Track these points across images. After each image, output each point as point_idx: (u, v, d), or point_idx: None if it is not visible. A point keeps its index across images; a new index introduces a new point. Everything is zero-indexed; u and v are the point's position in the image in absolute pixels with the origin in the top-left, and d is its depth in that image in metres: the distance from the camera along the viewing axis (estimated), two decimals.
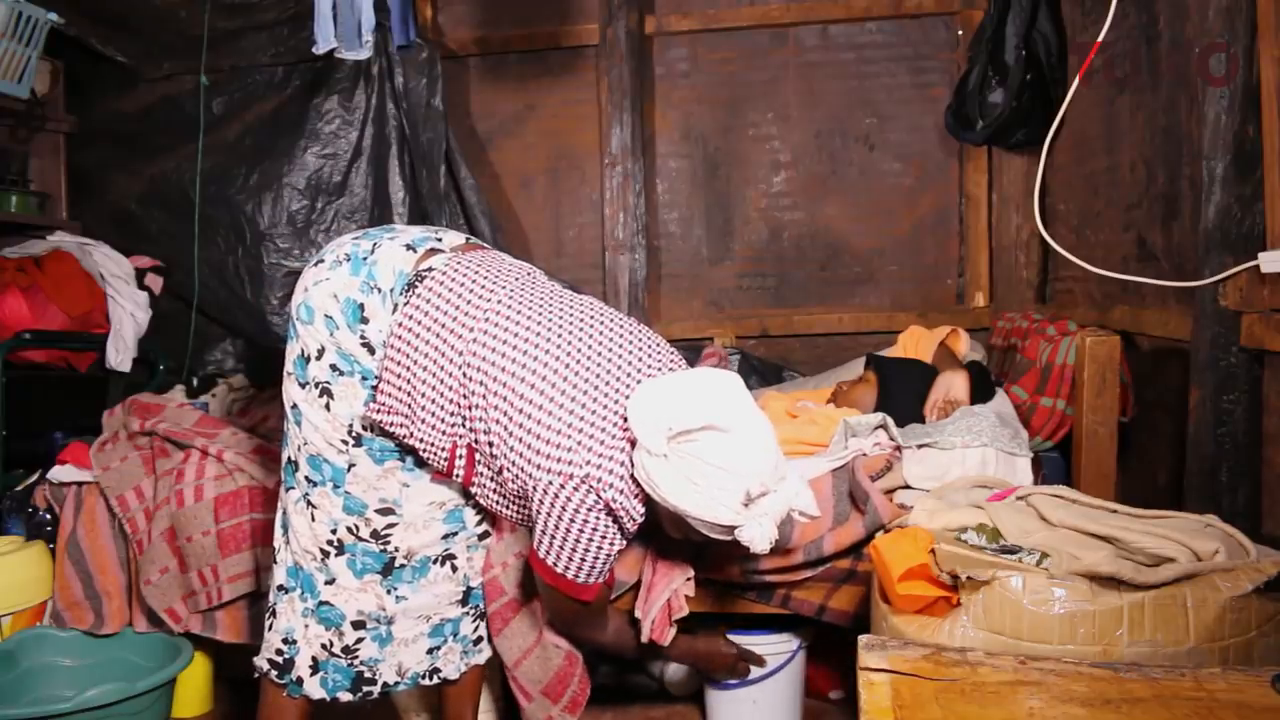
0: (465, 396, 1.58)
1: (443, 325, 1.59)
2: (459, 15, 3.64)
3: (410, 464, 1.72)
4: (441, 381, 1.59)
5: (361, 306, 1.63)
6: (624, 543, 1.59)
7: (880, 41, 3.43)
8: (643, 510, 1.56)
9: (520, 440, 1.53)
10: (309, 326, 1.66)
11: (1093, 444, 2.13)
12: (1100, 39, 2.24)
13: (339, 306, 1.64)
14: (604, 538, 1.55)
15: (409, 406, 1.61)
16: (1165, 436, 2.22)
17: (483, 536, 1.87)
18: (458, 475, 1.65)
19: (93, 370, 3.13)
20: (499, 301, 1.61)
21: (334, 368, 1.65)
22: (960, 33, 3.34)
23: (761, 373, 3.34)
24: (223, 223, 3.50)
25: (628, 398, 1.52)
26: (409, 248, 1.67)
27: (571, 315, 1.63)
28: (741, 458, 1.48)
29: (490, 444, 1.57)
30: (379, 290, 1.63)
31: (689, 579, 1.91)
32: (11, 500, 2.48)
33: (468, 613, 1.89)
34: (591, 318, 1.64)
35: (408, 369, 1.60)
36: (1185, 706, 1.06)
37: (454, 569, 1.83)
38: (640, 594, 1.93)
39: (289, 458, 1.74)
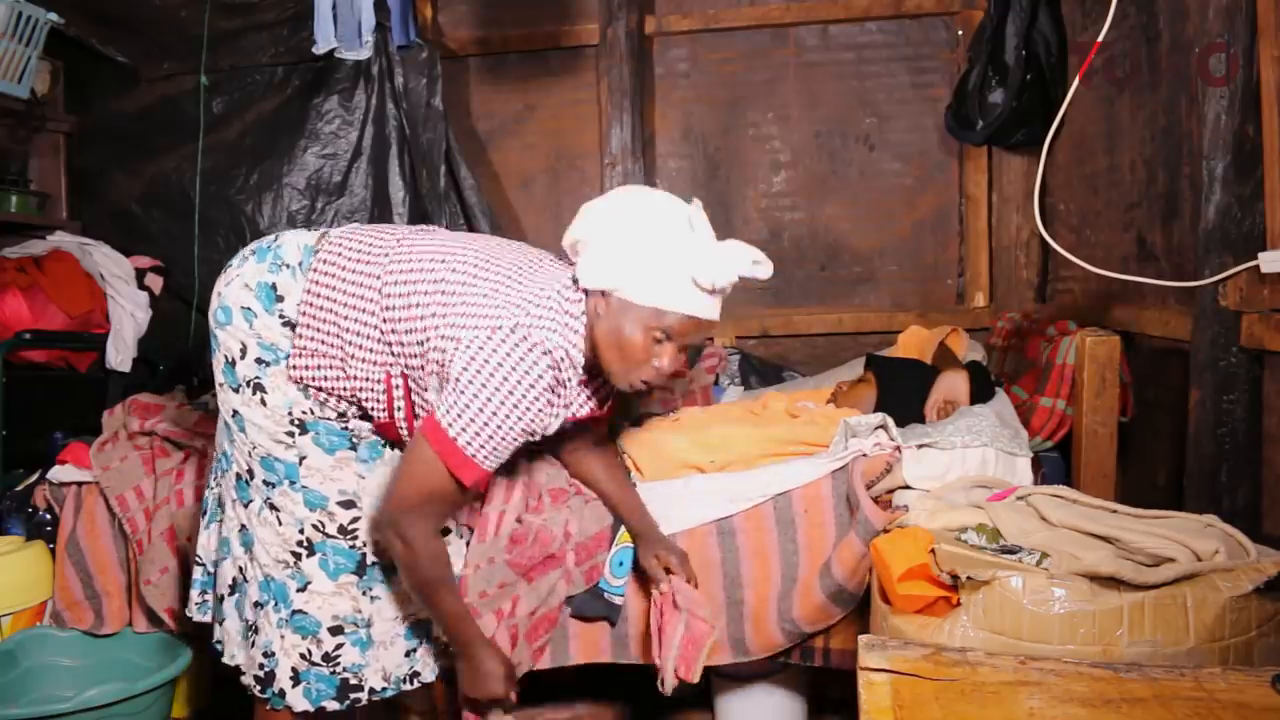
0: (388, 318, 1.62)
1: (356, 261, 1.66)
2: (459, 15, 3.64)
3: (363, 453, 1.74)
4: (363, 310, 1.63)
5: (274, 286, 1.69)
6: (543, 421, 1.56)
7: (880, 41, 3.43)
8: (581, 358, 1.59)
9: (446, 319, 1.56)
10: (228, 328, 1.70)
11: (1093, 444, 2.13)
12: (1100, 39, 2.24)
13: (253, 294, 1.69)
14: (525, 395, 1.50)
15: (338, 348, 1.65)
16: (1165, 436, 2.22)
17: (443, 533, 1.83)
18: (399, 414, 1.67)
19: (93, 370, 3.13)
20: (407, 233, 1.72)
21: (259, 360, 1.68)
22: (960, 33, 3.34)
23: (761, 373, 3.34)
24: (223, 223, 3.50)
25: (542, 283, 1.60)
26: (311, 231, 1.77)
27: (476, 236, 1.77)
28: (655, 199, 1.59)
29: (420, 345, 1.59)
30: (287, 266, 1.70)
31: (706, 621, 1.78)
32: (11, 500, 2.48)
33: None
34: (497, 240, 1.75)
35: (329, 311, 1.65)
36: (1185, 706, 1.06)
37: None
38: (652, 639, 1.83)
39: (238, 473, 1.74)
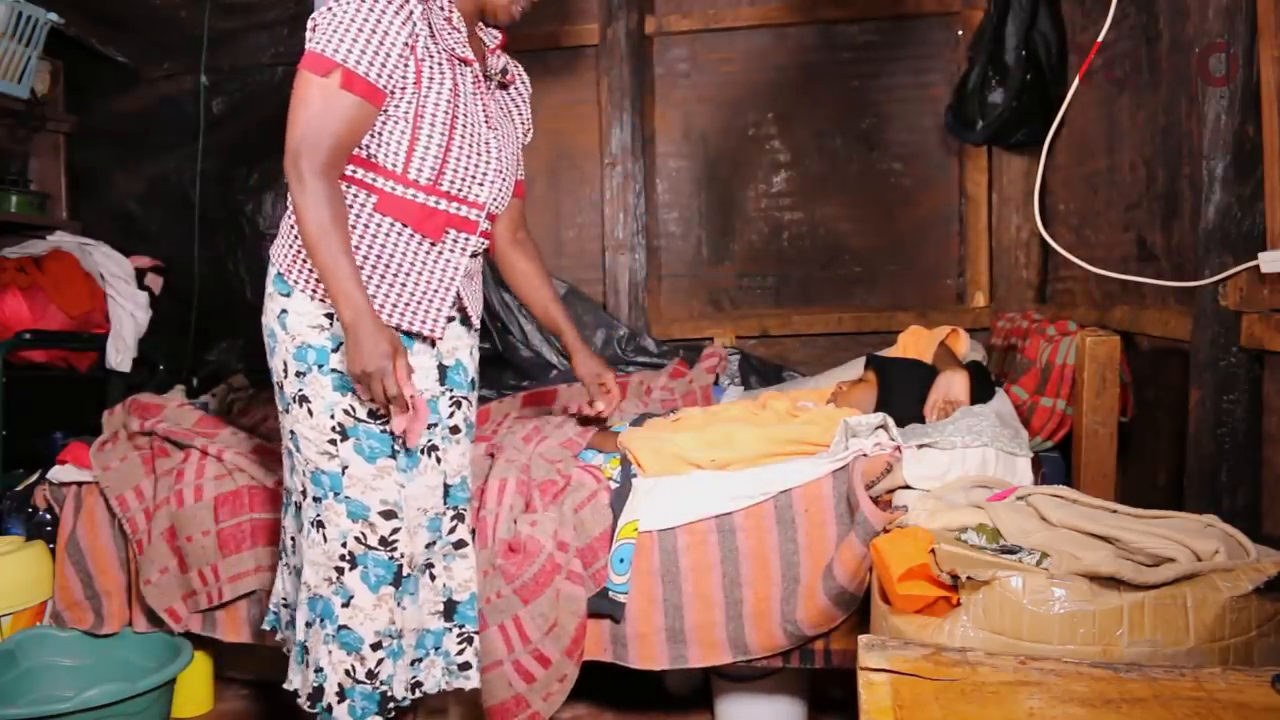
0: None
1: None
2: None
3: (402, 462, 1.74)
4: None
5: (281, 275, 1.74)
6: (408, 20, 1.61)
7: (880, 41, 3.43)
8: None
9: None
10: (273, 350, 1.75)
11: (1093, 444, 2.13)
12: (1100, 39, 2.24)
13: (275, 298, 1.73)
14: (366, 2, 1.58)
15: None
16: (1165, 436, 2.22)
17: (457, 545, 1.86)
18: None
19: (93, 370, 3.13)
20: None
21: (299, 374, 1.70)
22: (960, 33, 3.34)
23: (761, 373, 3.34)
24: (223, 223, 3.50)
25: None
26: None
27: None
28: None
29: None
30: None
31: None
32: (11, 500, 2.48)
33: (451, 629, 1.85)
34: None
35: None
36: (1185, 706, 1.06)
37: (432, 577, 1.84)
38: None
39: (296, 501, 1.77)
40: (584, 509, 2.04)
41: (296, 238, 1.69)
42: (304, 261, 1.70)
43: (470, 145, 1.73)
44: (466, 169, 1.73)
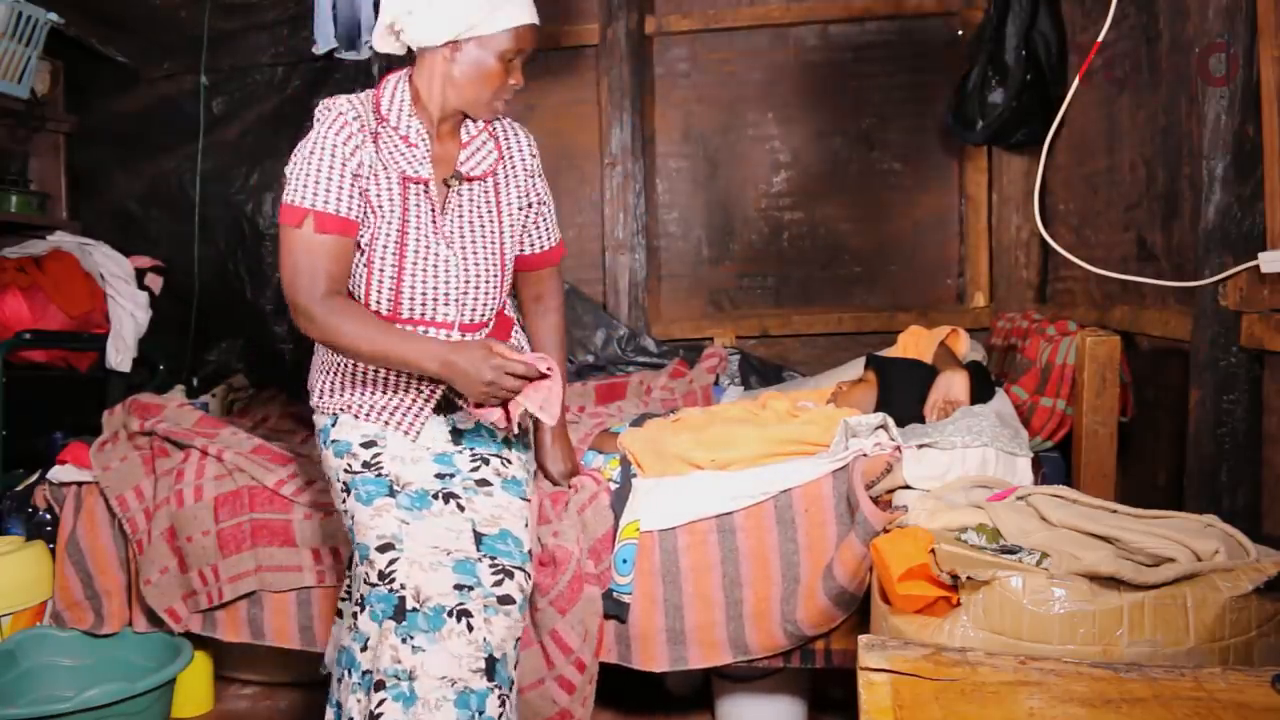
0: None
1: None
2: None
3: (405, 501, 1.71)
4: None
5: None
6: (347, 149, 1.70)
7: (880, 41, 3.43)
8: (371, 107, 1.77)
9: None
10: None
11: (1093, 444, 2.13)
12: (1100, 39, 2.24)
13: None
14: (320, 135, 1.71)
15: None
16: (1165, 436, 2.22)
17: (502, 600, 1.68)
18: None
19: (93, 370, 3.13)
20: None
21: (321, 462, 1.84)
22: (960, 33, 3.34)
23: (761, 373, 3.34)
24: (223, 223, 3.50)
25: None
26: None
27: None
28: None
29: None
30: None
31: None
32: (11, 500, 2.48)
33: (493, 689, 1.65)
34: None
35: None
36: (1185, 706, 1.06)
37: (469, 628, 1.65)
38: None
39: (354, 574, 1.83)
40: (586, 510, 2.05)
41: (320, 367, 1.83)
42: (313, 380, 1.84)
43: (424, 269, 1.74)
44: (424, 293, 1.75)
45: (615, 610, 2.01)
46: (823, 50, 3.47)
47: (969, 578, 1.37)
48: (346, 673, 1.71)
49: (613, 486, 2.09)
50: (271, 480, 2.21)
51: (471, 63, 1.73)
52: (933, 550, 1.46)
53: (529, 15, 1.78)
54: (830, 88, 3.47)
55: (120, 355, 3.13)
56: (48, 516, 2.41)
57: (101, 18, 3.43)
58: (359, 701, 1.66)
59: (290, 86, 3.50)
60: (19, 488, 2.51)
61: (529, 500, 1.85)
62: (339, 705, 1.75)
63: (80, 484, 2.36)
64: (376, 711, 1.60)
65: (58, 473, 2.38)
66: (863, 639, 1.23)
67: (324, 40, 3.10)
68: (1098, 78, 2.60)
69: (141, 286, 3.28)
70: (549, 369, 1.63)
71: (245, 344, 3.58)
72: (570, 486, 2.09)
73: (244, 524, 2.19)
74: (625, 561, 2.01)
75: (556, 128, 3.59)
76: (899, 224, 3.47)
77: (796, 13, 3.43)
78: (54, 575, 2.34)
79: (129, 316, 3.17)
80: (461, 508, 1.73)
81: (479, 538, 1.71)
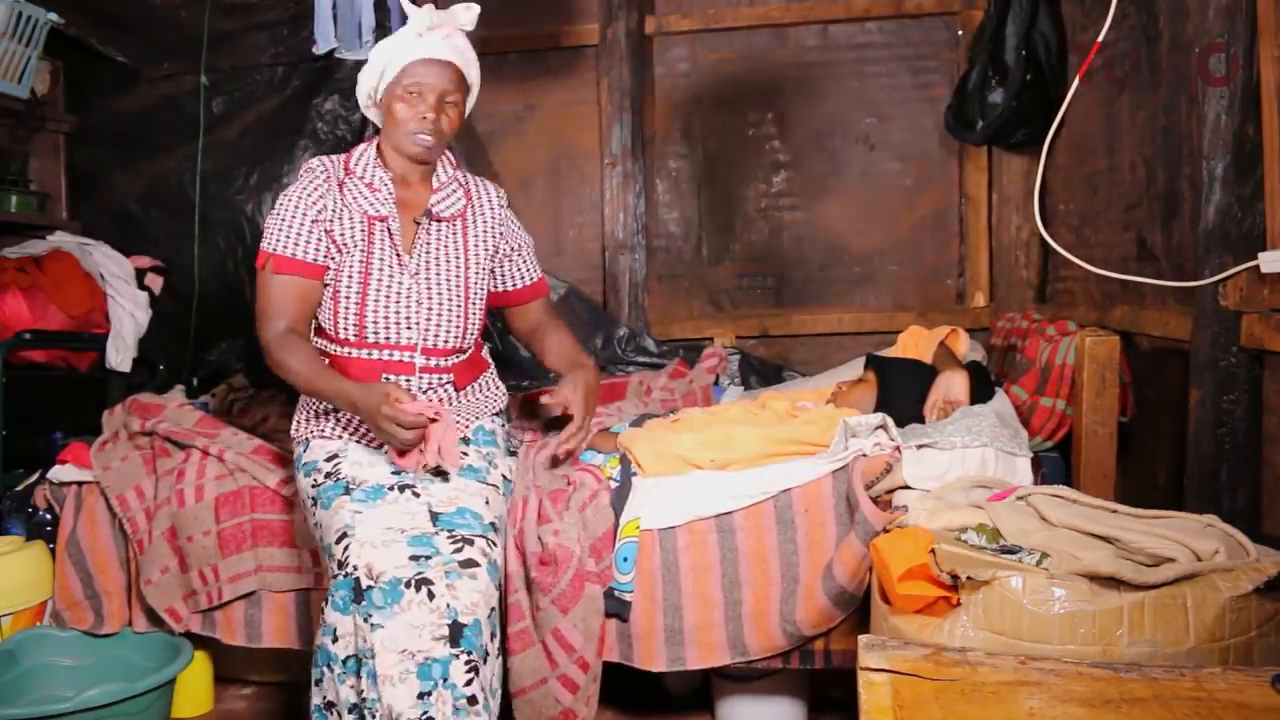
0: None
1: None
2: None
3: (359, 495, 1.82)
4: None
5: None
6: (316, 198, 1.93)
7: (880, 41, 3.43)
8: (341, 161, 2.01)
9: None
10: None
11: (1093, 444, 2.13)
12: (1100, 39, 2.24)
13: None
14: (295, 189, 1.95)
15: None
16: (1165, 436, 2.22)
17: (465, 564, 1.71)
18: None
19: (93, 370, 3.13)
20: None
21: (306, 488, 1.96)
22: (960, 33, 3.34)
23: (761, 373, 3.34)
24: (223, 223, 3.50)
25: None
26: None
27: None
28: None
29: None
30: None
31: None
32: (11, 500, 2.47)
33: (458, 655, 1.65)
34: None
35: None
36: (1185, 706, 1.06)
37: (430, 595, 1.66)
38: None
39: None
40: (587, 509, 2.04)
41: (301, 401, 2.05)
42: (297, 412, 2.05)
43: (386, 296, 1.94)
44: (387, 318, 1.94)
45: (617, 608, 2.01)
46: (823, 50, 3.47)
47: (969, 578, 1.37)
48: (327, 669, 1.73)
49: (613, 485, 2.09)
50: (272, 480, 2.21)
51: (388, 110, 1.99)
52: (933, 550, 1.46)
53: (420, 51, 1.95)
54: (830, 88, 3.47)
55: (120, 355, 3.13)
56: (48, 516, 2.41)
57: (101, 18, 3.42)
58: (351, 687, 1.69)
59: (290, 86, 3.49)
60: (19, 488, 2.50)
61: (493, 485, 1.94)
62: (329, 705, 1.74)
63: (80, 484, 2.36)
64: (365, 695, 1.66)
65: (58, 472, 2.38)
66: (862, 639, 1.23)
67: (324, 40, 3.10)
68: (1098, 78, 2.60)
69: (141, 286, 3.28)
70: (435, 414, 1.76)
71: (245, 344, 3.57)
72: (570, 420, 2.08)
73: (245, 524, 2.20)
74: (626, 560, 2.01)
75: (556, 128, 3.60)
76: (899, 224, 3.47)
77: (796, 13, 3.43)
78: (54, 575, 2.34)
79: (129, 316, 3.17)
80: (418, 494, 1.83)
81: (435, 516, 1.80)
